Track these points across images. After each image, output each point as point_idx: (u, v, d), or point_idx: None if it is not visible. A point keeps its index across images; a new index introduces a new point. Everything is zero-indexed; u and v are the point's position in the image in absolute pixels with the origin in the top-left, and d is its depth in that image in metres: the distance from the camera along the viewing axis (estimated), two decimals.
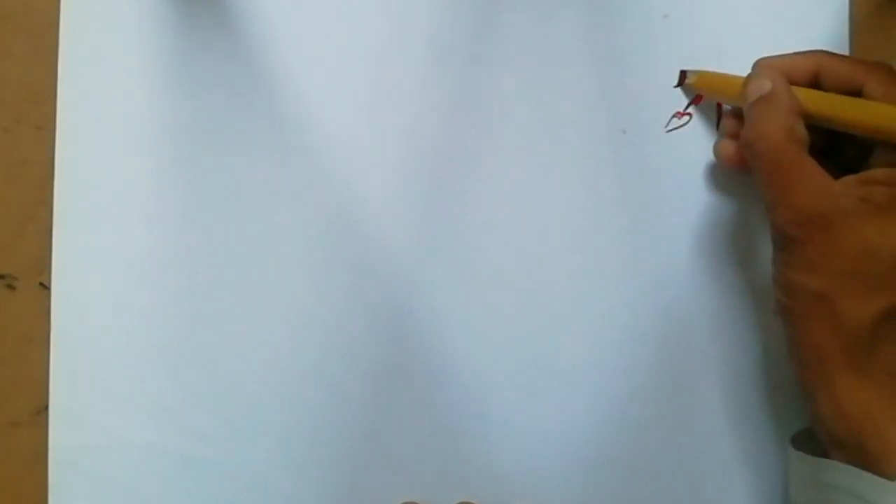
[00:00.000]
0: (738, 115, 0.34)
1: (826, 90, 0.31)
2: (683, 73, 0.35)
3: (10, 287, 0.34)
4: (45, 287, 0.34)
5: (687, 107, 0.35)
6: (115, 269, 0.34)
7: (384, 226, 0.35)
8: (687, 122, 0.35)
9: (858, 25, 0.36)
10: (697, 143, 0.35)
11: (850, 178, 0.30)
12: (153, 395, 0.34)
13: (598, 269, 0.35)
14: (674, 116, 0.35)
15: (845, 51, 0.36)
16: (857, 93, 0.31)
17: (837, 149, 0.32)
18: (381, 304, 0.35)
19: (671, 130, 0.35)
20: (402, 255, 0.35)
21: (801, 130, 0.30)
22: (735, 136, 0.33)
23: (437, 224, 0.35)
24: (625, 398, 0.35)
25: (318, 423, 0.34)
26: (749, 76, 0.32)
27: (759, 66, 0.33)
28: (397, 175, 0.35)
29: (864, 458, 0.28)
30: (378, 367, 0.35)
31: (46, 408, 0.34)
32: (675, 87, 0.35)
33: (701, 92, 0.35)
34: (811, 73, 0.32)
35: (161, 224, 0.34)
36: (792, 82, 0.31)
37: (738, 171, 0.34)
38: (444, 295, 0.35)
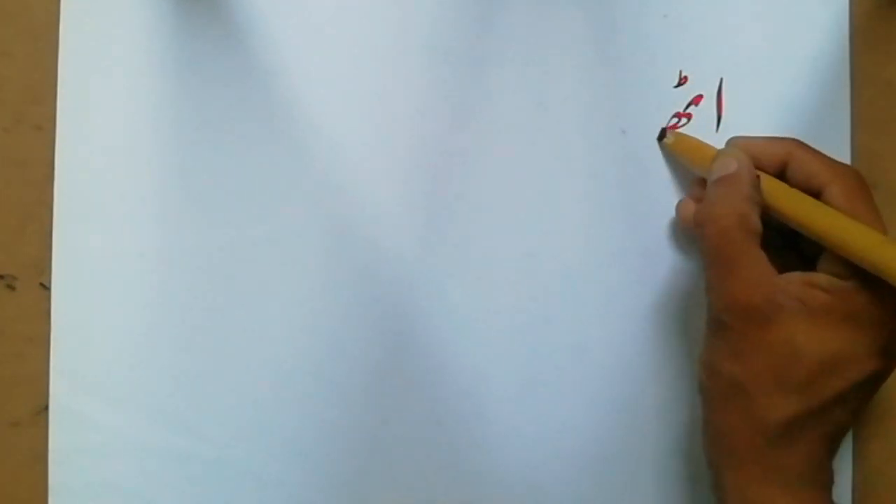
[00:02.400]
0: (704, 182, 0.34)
1: (791, 181, 0.31)
2: (664, 130, 0.35)
3: (10, 287, 0.34)
4: (45, 287, 0.34)
5: (687, 107, 0.35)
6: (115, 269, 0.34)
7: (386, 226, 0.35)
8: (687, 123, 0.35)
9: (858, 25, 0.36)
10: None
11: (794, 276, 0.30)
12: (153, 395, 0.34)
13: (598, 269, 0.35)
14: (674, 116, 0.35)
15: (845, 51, 0.36)
16: (818, 193, 0.31)
17: (789, 242, 0.33)
18: (384, 303, 0.35)
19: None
20: (404, 256, 0.35)
21: (755, 219, 0.30)
22: (698, 201, 0.33)
23: (438, 224, 0.35)
24: (624, 397, 0.35)
25: (319, 424, 0.34)
26: (718, 153, 0.32)
27: (730, 145, 0.33)
28: (399, 175, 0.35)
29: None
30: (380, 366, 0.35)
31: (46, 408, 0.34)
32: (658, 139, 0.35)
33: (674, 154, 0.35)
34: (780, 161, 0.32)
35: (161, 224, 0.34)
36: (760, 167, 0.31)
37: (691, 236, 0.35)
38: (446, 295, 0.35)
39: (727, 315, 0.30)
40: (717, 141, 0.35)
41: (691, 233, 0.34)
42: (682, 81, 0.35)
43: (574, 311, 0.35)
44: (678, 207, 0.35)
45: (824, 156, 0.32)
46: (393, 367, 0.35)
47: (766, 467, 0.29)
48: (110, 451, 0.34)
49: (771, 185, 0.31)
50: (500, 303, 0.35)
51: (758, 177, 0.31)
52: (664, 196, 0.35)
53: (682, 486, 0.35)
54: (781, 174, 0.32)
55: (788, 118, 0.35)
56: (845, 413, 0.30)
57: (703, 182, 0.34)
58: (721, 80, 0.35)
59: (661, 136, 0.35)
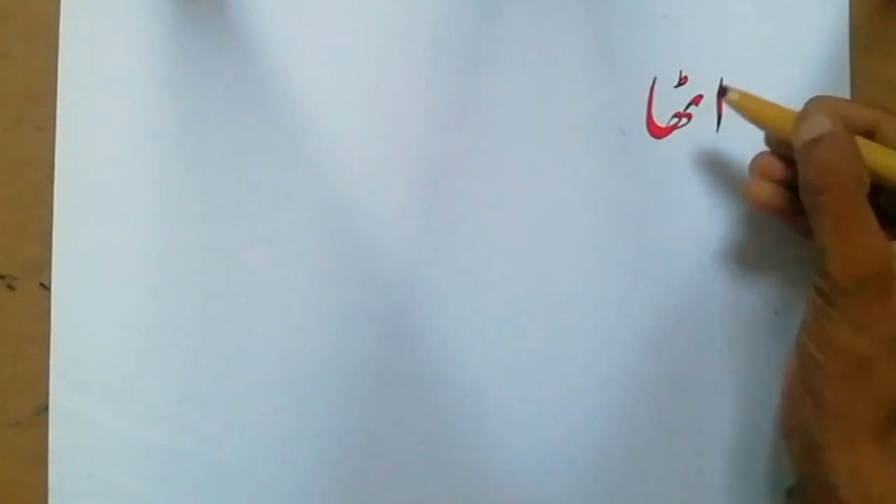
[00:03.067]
0: (775, 154, 0.33)
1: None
2: (724, 88, 0.33)
3: (10, 287, 0.34)
4: (45, 287, 0.34)
5: (687, 107, 0.35)
6: (115, 269, 0.34)
7: (386, 226, 0.35)
8: (687, 123, 0.35)
9: (858, 25, 0.36)
10: (697, 143, 0.35)
11: None
12: (153, 395, 0.34)
13: (598, 271, 0.35)
14: (674, 117, 0.35)
15: (845, 51, 0.36)
16: None
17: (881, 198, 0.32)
18: (384, 304, 0.35)
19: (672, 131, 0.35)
20: (404, 256, 0.35)
21: (867, 180, 0.29)
22: (768, 177, 0.32)
23: (439, 227, 0.35)
24: (626, 403, 0.35)
25: (319, 424, 0.34)
26: (804, 112, 0.31)
27: (817, 104, 0.31)
28: (399, 175, 0.35)
29: None
30: (380, 368, 0.35)
31: (46, 408, 0.34)
32: (718, 98, 0.34)
33: (742, 113, 0.33)
34: (869, 124, 0.31)
35: (161, 224, 0.34)
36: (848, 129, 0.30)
37: (772, 214, 0.33)
38: (446, 296, 0.35)
39: (850, 283, 0.29)
40: (718, 141, 0.35)
41: (772, 213, 0.33)
42: (682, 81, 0.35)
43: (575, 312, 0.35)
44: (748, 191, 0.33)
45: None
46: (393, 367, 0.35)
47: (884, 445, 0.28)
48: (110, 451, 0.34)
49: (871, 149, 0.30)
50: (500, 303, 0.35)
51: (854, 137, 0.30)
52: (664, 196, 0.35)
53: (683, 490, 0.35)
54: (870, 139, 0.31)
55: None
56: None
57: (769, 156, 0.33)
58: (721, 80, 0.35)
59: (722, 92, 0.33)
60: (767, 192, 0.32)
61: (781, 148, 0.32)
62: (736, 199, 0.35)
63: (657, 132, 0.35)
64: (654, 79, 0.35)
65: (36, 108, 0.34)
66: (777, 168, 0.32)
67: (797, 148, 0.30)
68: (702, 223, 0.35)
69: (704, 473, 0.35)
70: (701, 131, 0.35)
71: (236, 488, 0.34)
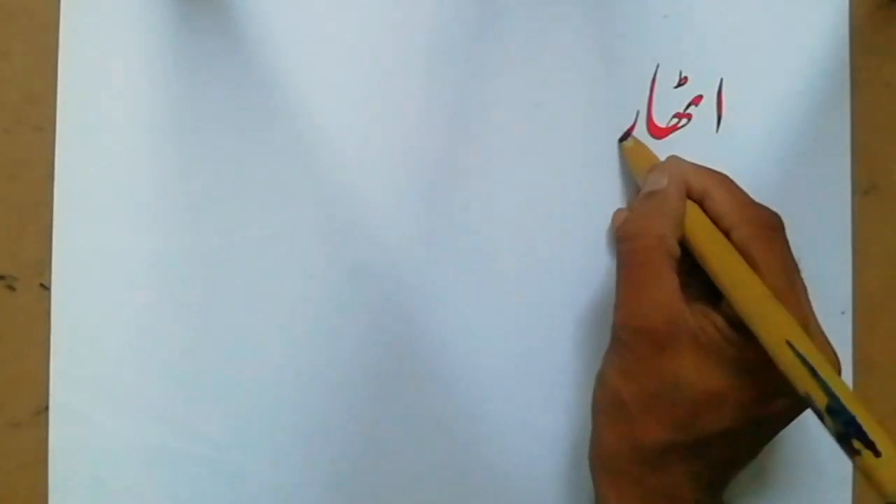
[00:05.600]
0: None
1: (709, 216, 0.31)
2: (628, 133, 0.35)
3: (11, 288, 0.34)
4: (46, 288, 0.34)
5: (687, 107, 0.35)
6: (115, 270, 0.34)
7: (385, 227, 0.35)
8: (687, 123, 0.35)
9: (858, 25, 0.36)
10: (697, 144, 0.35)
11: (697, 308, 0.30)
12: (154, 395, 0.34)
13: (597, 268, 0.35)
14: (674, 117, 0.35)
15: (845, 51, 0.36)
16: (727, 233, 0.30)
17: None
18: (382, 305, 0.35)
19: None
20: (403, 257, 0.35)
21: (673, 243, 0.30)
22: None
23: (437, 223, 0.35)
24: None
25: (318, 424, 0.34)
26: (653, 166, 0.32)
27: (668, 162, 0.33)
28: (397, 176, 0.35)
29: None
30: (379, 368, 0.35)
31: (46, 408, 0.34)
32: (619, 140, 0.35)
33: (626, 158, 0.35)
34: (700, 192, 0.31)
35: (161, 224, 0.34)
36: (687, 193, 0.31)
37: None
38: (444, 297, 0.35)
39: (626, 333, 0.30)
40: (718, 141, 0.35)
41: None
42: (682, 82, 0.35)
43: (574, 312, 0.35)
44: (615, 217, 0.35)
45: (742, 196, 0.31)
46: (392, 368, 0.35)
47: (645, 488, 0.29)
48: (110, 451, 0.34)
49: (693, 214, 0.31)
50: (499, 303, 0.35)
51: (684, 199, 0.31)
52: None
53: None
54: (702, 205, 0.31)
55: (788, 118, 0.35)
56: (720, 456, 0.30)
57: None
58: (721, 80, 0.35)
59: (624, 137, 0.35)
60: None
61: None
62: None
63: (657, 132, 0.35)
64: (655, 79, 0.35)
65: (36, 108, 0.34)
66: None
67: (638, 197, 0.32)
68: None
69: None
70: (701, 131, 0.35)
71: (236, 488, 0.34)
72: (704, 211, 0.31)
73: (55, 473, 0.34)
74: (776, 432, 0.31)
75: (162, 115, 0.34)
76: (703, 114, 0.35)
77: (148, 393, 0.34)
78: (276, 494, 0.34)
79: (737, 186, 0.32)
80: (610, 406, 0.30)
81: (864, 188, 0.36)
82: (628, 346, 0.30)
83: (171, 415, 0.34)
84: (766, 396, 0.29)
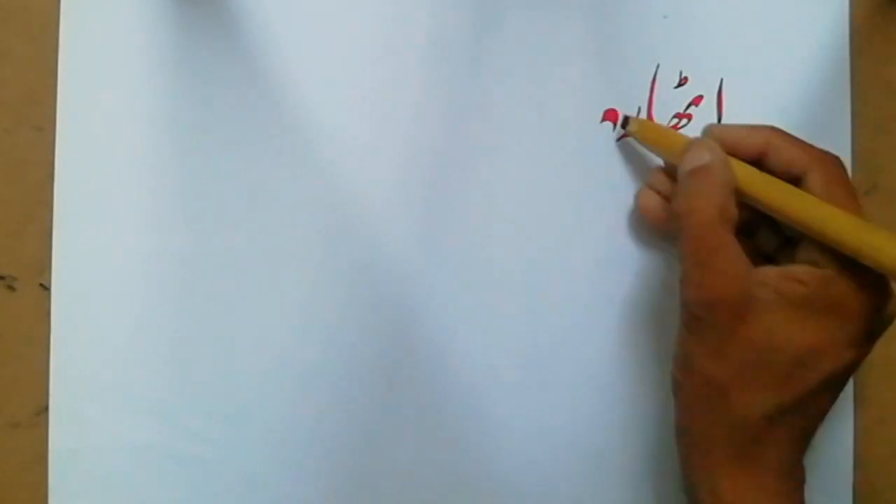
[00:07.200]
0: (668, 171, 0.34)
1: (770, 170, 0.31)
2: (627, 118, 0.34)
3: (10, 288, 0.34)
4: (45, 288, 0.34)
5: (687, 107, 0.35)
6: (115, 270, 0.34)
7: (384, 225, 0.35)
8: (687, 123, 0.35)
9: (858, 25, 0.36)
10: None
11: (771, 270, 0.29)
12: (153, 395, 0.34)
13: (598, 267, 0.35)
14: (674, 117, 0.35)
15: (845, 51, 0.36)
16: (798, 180, 0.30)
17: (767, 228, 0.32)
18: (381, 304, 0.35)
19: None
20: (402, 255, 0.35)
21: (732, 210, 0.30)
22: (659, 191, 0.33)
23: (437, 223, 0.35)
24: (628, 395, 0.35)
25: (318, 424, 0.34)
26: (690, 143, 0.32)
27: (705, 133, 0.32)
28: (397, 175, 0.35)
29: None
30: (378, 366, 0.35)
31: (46, 408, 0.34)
32: (618, 138, 0.35)
33: (640, 142, 0.34)
34: (758, 149, 0.31)
35: (161, 224, 0.34)
36: (737, 156, 0.31)
37: (653, 226, 0.34)
38: (444, 294, 0.35)
39: (703, 309, 0.29)
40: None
41: (652, 224, 0.34)
42: (682, 82, 0.35)
43: (574, 312, 0.35)
44: (639, 196, 0.34)
45: (804, 143, 0.31)
46: (392, 368, 0.35)
47: (742, 466, 0.29)
48: (110, 451, 0.34)
49: (746, 174, 0.31)
50: (499, 303, 0.35)
51: (732, 166, 0.31)
52: None
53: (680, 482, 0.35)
54: (760, 163, 0.31)
55: (788, 118, 0.35)
56: (819, 407, 0.30)
57: (665, 171, 0.34)
58: (721, 80, 0.35)
59: (624, 124, 0.34)
60: (653, 202, 0.34)
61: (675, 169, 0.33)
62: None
63: None
64: (655, 79, 0.35)
65: (36, 108, 0.34)
66: (665, 184, 0.33)
67: (678, 177, 0.31)
68: None
69: None
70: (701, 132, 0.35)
71: (236, 488, 0.34)
72: (768, 165, 0.31)
73: (55, 473, 0.34)
74: (846, 383, 0.30)
75: (162, 115, 0.34)
76: (704, 114, 0.35)
77: (147, 393, 0.34)
78: (276, 494, 0.34)
79: (790, 135, 0.31)
80: (702, 391, 0.30)
81: (865, 188, 0.36)
82: (708, 323, 0.29)
83: (171, 415, 0.34)
84: (861, 336, 0.29)
